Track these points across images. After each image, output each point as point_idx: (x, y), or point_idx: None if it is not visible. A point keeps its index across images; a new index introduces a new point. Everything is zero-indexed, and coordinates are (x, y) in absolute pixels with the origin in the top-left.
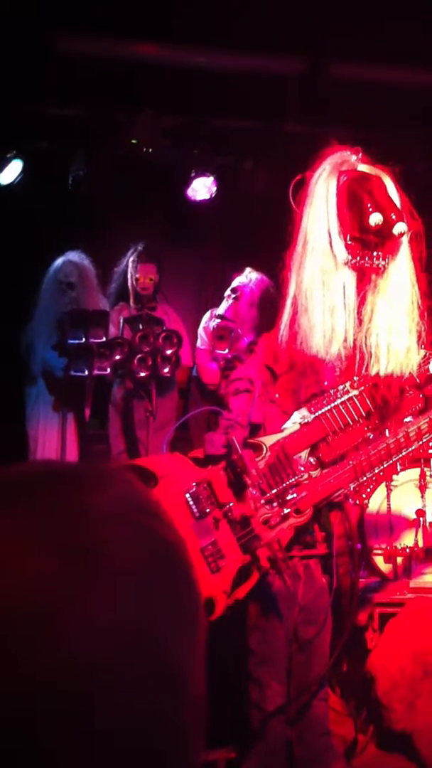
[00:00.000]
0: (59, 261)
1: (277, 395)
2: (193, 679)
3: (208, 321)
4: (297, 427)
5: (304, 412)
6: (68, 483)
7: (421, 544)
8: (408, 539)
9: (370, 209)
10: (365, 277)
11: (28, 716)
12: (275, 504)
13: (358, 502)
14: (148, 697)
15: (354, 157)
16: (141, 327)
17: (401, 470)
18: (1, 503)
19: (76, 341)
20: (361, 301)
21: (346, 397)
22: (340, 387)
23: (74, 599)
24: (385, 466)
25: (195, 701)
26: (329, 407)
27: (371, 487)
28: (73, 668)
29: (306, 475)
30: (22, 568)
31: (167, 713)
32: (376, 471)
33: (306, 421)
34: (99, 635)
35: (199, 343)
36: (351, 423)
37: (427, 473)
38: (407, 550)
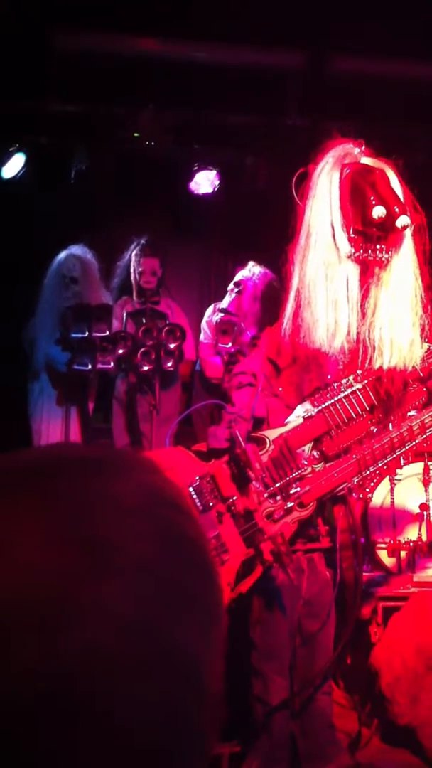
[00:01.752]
0: (62, 255)
1: (280, 389)
2: (210, 678)
3: (211, 315)
4: (300, 420)
5: (307, 405)
6: (90, 470)
7: (424, 537)
8: (412, 533)
9: (373, 202)
10: (368, 270)
11: (44, 712)
12: (279, 498)
13: (361, 495)
14: (165, 695)
15: (357, 150)
16: (144, 321)
17: (405, 464)
18: (19, 488)
19: (80, 335)
20: (365, 295)
21: (349, 390)
22: (344, 381)
23: (92, 593)
24: (388, 459)
25: (212, 700)
26: (332, 401)
27: (375, 481)
28: (91, 663)
29: (309, 469)
30: (39, 560)
31: (183, 712)
32: (380, 465)
33: (309, 414)
34: (117, 631)
35: (202, 337)
36: (354, 417)
37: (431, 467)
38: (411, 544)
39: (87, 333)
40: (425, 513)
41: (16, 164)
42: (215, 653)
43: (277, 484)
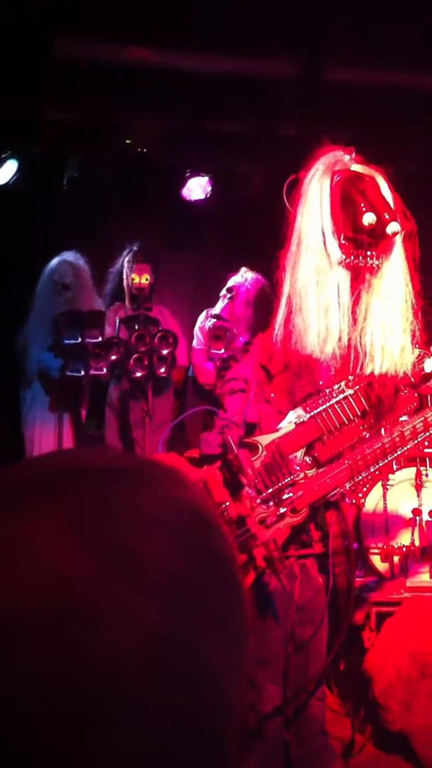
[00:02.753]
0: (54, 261)
1: (272, 395)
2: (233, 693)
3: (203, 321)
4: (292, 426)
5: (299, 411)
6: (119, 480)
7: (417, 543)
8: (404, 538)
9: (364, 209)
10: (359, 277)
11: (64, 721)
12: (271, 503)
13: (354, 501)
14: (186, 709)
15: (347, 157)
16: (137, 327)
17: (397, 469)
18: (46, 493)
19: (72, 342)
20: (356, 301)
21: (341, 396)
22: (335, 386)
23: (116, 602)
24: (380, 465)
25: (234, 715)
26: (324, 406)
27: (367, 486)
28: (112, 675)
29: (302, 475)
30: (63, 565)
31: (205, 728)
32: (372, 470)
33: (301, 420)
34: (140, 642)
35: (195, 343)
36: (346, 422)
37: (423, 472)
38: (404, 549)
39: (79, 339)
40: (418, 518)
41: (8, 171)
42: (239, 671)
43: (270, 490)
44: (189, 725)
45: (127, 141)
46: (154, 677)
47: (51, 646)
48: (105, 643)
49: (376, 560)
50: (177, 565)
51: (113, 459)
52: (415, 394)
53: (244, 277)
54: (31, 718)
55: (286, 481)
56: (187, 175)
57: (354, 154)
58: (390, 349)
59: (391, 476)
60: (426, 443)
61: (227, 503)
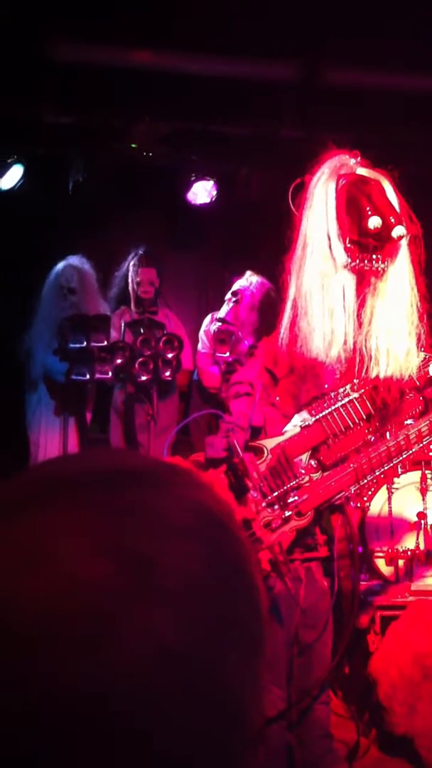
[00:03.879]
0: (60, 266)
1: (277, 398)
2: (250, 709)
3: (208, 324)
4: (298, 430)
5: (304, 414)
6: (141, 483)
7: (422, 546)
8: (409, 542)
9: (369, 212)
10: (365, 280)
11: (79, 732)
12: (276, 507)
13: (359, 504)
14: (201, 724)
15: (352, 161)
16: (142, 331)
17: (402, 473)
18: (68, 497)
19: (77, 346)
20: (361, 304)
21: (346, 399)
22: (341, 390)
23: (135, 613)
24: (385, 468)
25: (250, 732)
26: (330, 410)
27: (372, 489)
28: (130, 687)
29: (307, 478)
30: (84, 572)
31: (223, 742)
32: (377, 473)
33: (306, 424)
34: (158, 655)
35: (200, 346)
36: (351, 426)
37: (428, 476)
38: (408, 552)
39: (85, 343)
40: (423, 522)
41: (14, 175)
42: (257, 683)
43: (275, 494)
44: (207, 741)
45: (132, 145)
46: (170, 692)
47: (67, 652)
48: (120, 653)
49: (381, 564)
50: (195, 573)
51: (130, 461)
52: (421, 398)
53: (249, 280)
54: (45, 718)
55: (291, 484)
56: (193, 178)
57: (359, 158)
58: (395, 353)
59: (396, 480)
60: (431, 446)
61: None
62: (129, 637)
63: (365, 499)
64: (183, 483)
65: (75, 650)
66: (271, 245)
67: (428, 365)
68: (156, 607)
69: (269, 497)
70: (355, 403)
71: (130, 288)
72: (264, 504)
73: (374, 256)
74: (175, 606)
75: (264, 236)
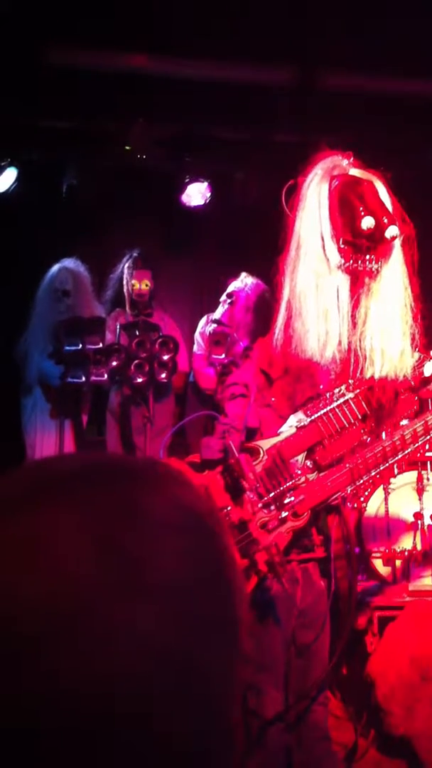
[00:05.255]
0: (54, 269)
1: (272, 399)
2: (227, 707)
3: (204, 326)
4: (293, 430)
5: (300, 415)
6: (126, 481)
7: (419, 547)
8: (406, 542)
9: (362, 213)
10: (358, 281)
11: (64, 729)
12: (273, 508)
13: (355, 505)
14: (180, 717)
15: (345, 162)
16: (137, 333)
17: (398, 473)
18: (53, 494)
19: (73, 348)
20: (355, 305)
21: (341, 400)
22: (336, 390)
23: (114, 606)
24: (381, 468)
25: (228, 730)
26: (325, 411)
27: (369, 490)
28: (116, 683)
29: (303, 479)
30: (74, 570)
31: (198, 734)
32: (373, 474)
33: (302, 424)
34: (143, 652)
35: (195, 348)
36: (347, 426)
37: (425, 476)
38: (406, 553)
39: (80, 346)
40: (419, 522)
41: (7, 179)
42: (234, 682)
43: (271, 494)
44: (190, 737)
45: (126, 147)
46: (148, 684)
47: (48, 646)
48: (100, 647)
49: (378, 564)
50: (180, 570)
51: (120, 461)
52: (416, 398)
53: (244, 282)
54: (31, 711)
55: (287, 485)
56: (186, 181)
57: (352, 159)
58: (390, 353)
59: (392, 480)
60: (427, 447)
61: (229, 508)
62: (109, 632)
63: (362, 499)
64: (173, 482)
65: (56, 644)
66: (266, 247)
67: (423, 365)
68: (139, 602)
69: (265, 498)
70: (351, 403)
71: (125, 290)
72: (260, 505)
73: (368, 257)
74: (158, 602)
75: (259, 238)
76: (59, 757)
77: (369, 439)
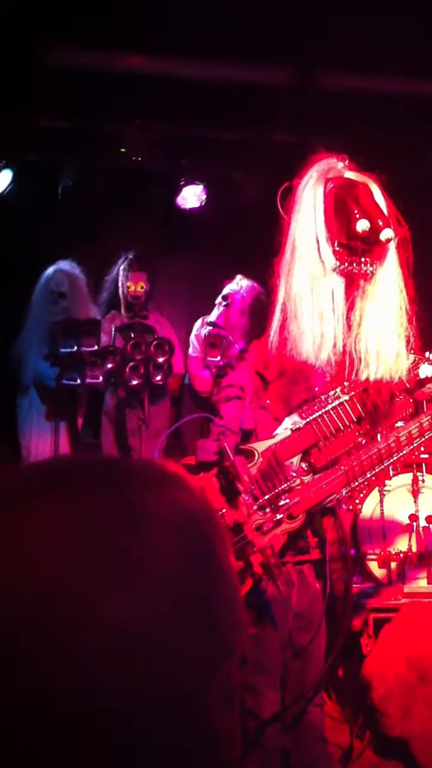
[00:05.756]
0: (50, 270)
1: (268, 401)
2: (212, 707)
3: (199, 329)
4: (288, 433)
5: (295, 417)
6: (124, 481)
7: (414, 548)
8: (402, 544)
9: (357, 216)
10: (354, 283)
11: (27, 711)
12: (268, 510)
13: (351, 507)
14: (156, 716)
15: (340, 164)
16: (133, 335)
17: (394, 475)
18: (53, 493)
19: (68, 350)
20: (350, 307)
21: (336, 402)
22: (331, 392)
23: (92, 596)
24: (376, 470)
25: (210, 730)
26: (320, 413)
27: (364, 492)
28: (73, 669)
29: (298, 481)
30: (60, 562)
31: (176, 735)
32: (368, 476)
33: (297, 427)
34: (120, 643)
35: (191, 350)
36: (342, 428)
37: (420, 478)
38: (401, 554)
39: (75, 348)
40: (415, 524)
41: (3, 180)
42: (227, 679)
43: (266, 497)
44: (166, 734)
45: (122, 150)
46: (122, 674)
47: (29, 636)
48: (82, 642)
49: (374, 566)
50: (170, 566)
51: (120, 462)
52: (411, 400)
53: (239, 284)
54: (7, 701)
55: (282, 487)
56: (182, 183)
57: (347, 161)
58: (385, 355)
59: (387, 482)
60: (422, 449)
61: (224, 510)
62: (87, 624)
63: (357, 501)
64: (172, 484)
65: (33, 634)
66: (261, 249)
67: (418, 367)
68: (121, 595)
69: (260, 500)
70: (346, 405)
71: (120, 292)
72: (255, 507)
73: (363, 259)
74: (142, 596)
75: (255, 241)
76: (34, 749)
77: (364, 441)
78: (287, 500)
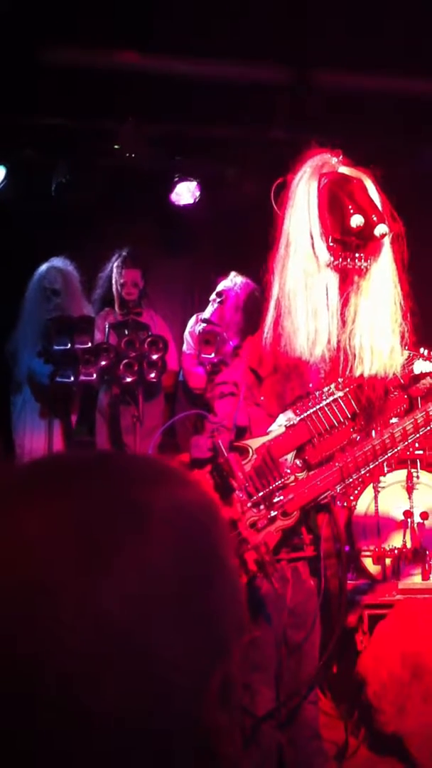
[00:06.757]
0: (43, 267)
1: (262, 398)
2: (194, 702)
3: (193, 325)
4: (282, 429)
5: (289, 414)
6: (121, 474)
7: (409, 545)
8: (396, 540)
9: (351, 211)
10: (348, 279)
11: (7, 698)
12: (262, 507)
13: (345, 503)
14: (130, 698)
15: (335, 160)
16: (127, 332)
17: (388, 472)
18: (48, 486)
19: (62, 348)
20: (344, 303)
21: (331, 398)
22: (325, 389)
23: (77, 584)
24: (371, 467)
25: (209, 729)
26: (314, 409)
27: (358, 488)
28: (65, 660)
29: (292, 478)
30: (45, 553)
31: (171, 733)
32: (363, 472)
33: (291, 423)
34: (94, 623)
35: (185, 347)
36: (336, 425)
37: (414, 474)
38: (396, 551)
39: (69, 345)
40: (409, 520)
41: None
42: (225, 677)
43: (261, 493)
44: (136, 726)
45: (116, 146)
46: (102, 660)
47: (20, 625)
48: (57, 620)
49: (368, 563)
50: (158, 557)
51: (121, 457)
52: (405, 396)
53: (233, 281)
54: None
55: (276, 484)
56: (176, 179)
57: (341, 157)
58: (379, 351)
59: (382, 478)
60: (416, 445)
61: None
62: (67, 607)
63: (351, 498)
64: (173, 479)
65: (26, 624)
66: (256, 246)
67: (412, 363)
68: (105, 583)
69: (255, 497)
70: (340, 401)
71: (114, 289)
72: (249, 504)
73: (357, 255)
74: (132, 589)
75: (249, 237)
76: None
77: (359, 437)
78: (281, 497)
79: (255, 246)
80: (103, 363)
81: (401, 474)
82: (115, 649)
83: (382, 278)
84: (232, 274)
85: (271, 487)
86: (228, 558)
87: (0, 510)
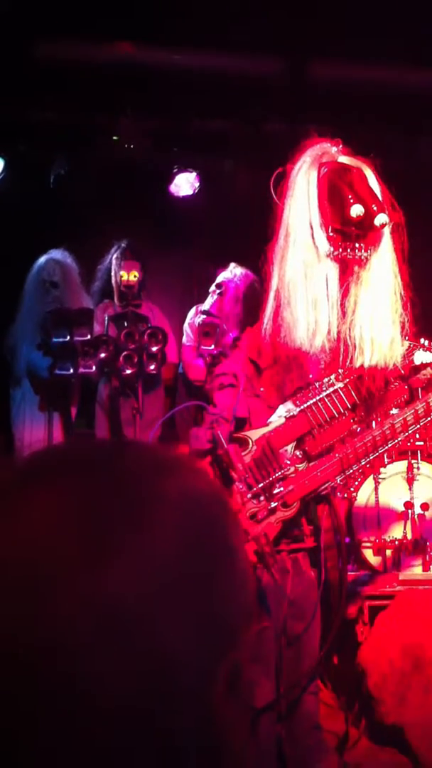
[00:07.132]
0: (42, 260)
1: (261, 389)
2: (216, 697)
3: (193, 317)
4: (282, 420)
5: (289, 405)
6: (127, 463)
7: (409, 536)
8: (397, 531)
9: (351, 200)
10: (348, 269)
11: (9, 695)
12: (262, 498)
13: (345, 494)
14: (156, 698)
15: (334, 149)
16: (126, 324)
17: (389, 462)
18: (52, 475)
19: (61, 340)
20: (344, 293)
21: (331, 389)
22: (325, 380)
23: (92, 580)
24: (371, 458)
25: (215, 719)
26: (314, 400)
27: (359, 479)
28: (51, 646)
29: (292, 469)
30: (48, 540)
31: (176, 723)
32: (363, 463)
33: (291, 414)
34: (98, 612)
35: (184, 339)
36: (336, 416)
37: (415, 465)
38: (396, 542)
39: (68, 338)
40: (410, 511)
41: None
42: (233, 667)
43: (261, 485)
44: (138, 718)
45: (114, 138)
46: (105, 651)
47: (11, 608)
48: (58, 610)
49: (369, 554)
50: (173, 552)
51: (124, 445)
52: (405, 387)
53: (233, 272)
54: None
55: (276, 475)
56: (175, 171)
57: (341, 146)
58: (380, 342)
59: (382, 469)
60: (417, 436)
61: None
62: (67, 596)
63: (352, 489)
64: (182, 467)
65: (30, 613)
66: (255, 237)
67: (413, 354)
68: (110, 572)
69: (254, 488)
70: (340, 392)
71: (113, 281)
72: (249, 495)
73: (357, 245)
74: (136, 576)
75: (249, 228)
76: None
77: (359, 428)
78: (281, 488)
79: (254, 237)
80: (103, 355)
81: (402, 465)
82: (119, 643)
83: (383, 268)
84: (232, 265)
85: (271, 479)
86: (239, 547)
87: (4, 501)
